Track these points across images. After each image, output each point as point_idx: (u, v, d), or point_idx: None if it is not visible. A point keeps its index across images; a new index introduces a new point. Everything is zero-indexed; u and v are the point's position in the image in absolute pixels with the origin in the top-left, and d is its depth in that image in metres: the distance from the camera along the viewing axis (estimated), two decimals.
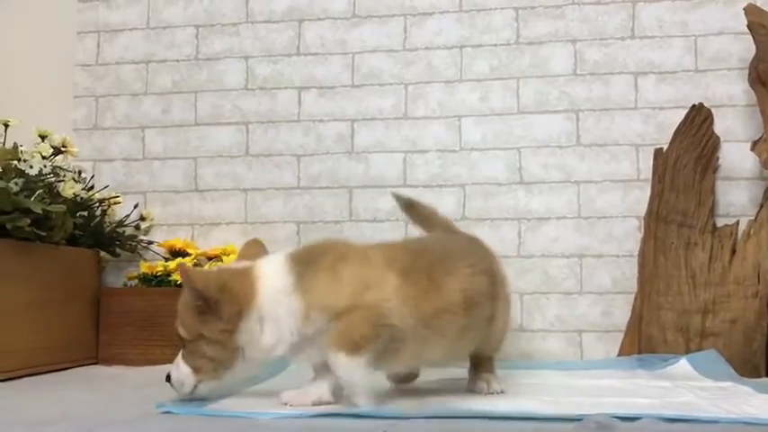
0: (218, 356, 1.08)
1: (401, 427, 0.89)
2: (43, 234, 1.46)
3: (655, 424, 0.92)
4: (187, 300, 1.10)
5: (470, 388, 1.24)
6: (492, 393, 1.21)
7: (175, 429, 0.90)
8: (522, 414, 0.96)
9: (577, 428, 0.88)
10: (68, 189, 1.51)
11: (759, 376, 1.51)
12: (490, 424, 0.92)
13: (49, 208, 1.41)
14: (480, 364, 1.26)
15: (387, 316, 1.03)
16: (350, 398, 1.05)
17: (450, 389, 1.27)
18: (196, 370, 1.09)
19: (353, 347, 1.01)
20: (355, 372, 1.02)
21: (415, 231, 1.77)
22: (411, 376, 1.31)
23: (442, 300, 1.10)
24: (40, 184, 1.44)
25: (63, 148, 1.54)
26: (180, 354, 1.12)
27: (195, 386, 1.09)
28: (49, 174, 1.49)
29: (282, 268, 1.08)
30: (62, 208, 1.45)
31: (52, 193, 1.50)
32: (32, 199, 1.38)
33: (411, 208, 1.49)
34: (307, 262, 1.09)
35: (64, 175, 1.55)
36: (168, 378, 1.11)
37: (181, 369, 1.10)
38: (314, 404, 1.06)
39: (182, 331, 1.11)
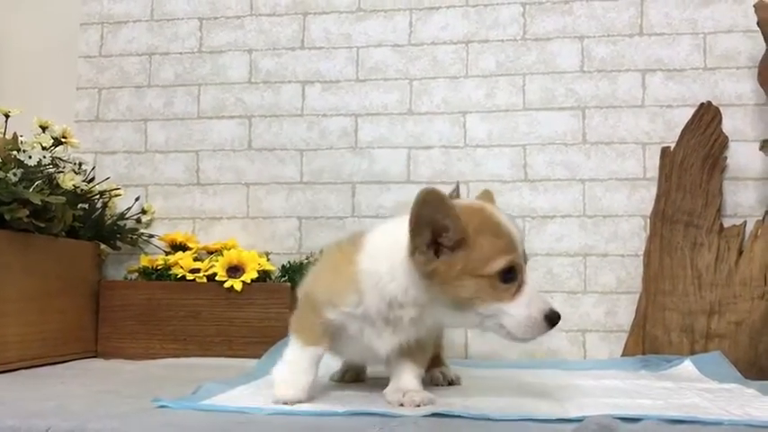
0: None
1: (395, 425, 0.88)
2: (42, 225, 1.45)
3: (657, 425, 0.90)
4: None
5: (430, 383, 1.25)
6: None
7: (169, 424, 0.88)
8: (522, 416, 0.94)
9: (578, 429, 0.86)
10: (68, 180, 1.49)
11: (765, 379, 1.49)
12: (486, 424, 0.90)
13: (48, 199, 1.39)
14: (434, 363, 1.28)
15: None
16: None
17: (443, 387, 1.26)
18: None
19: (425, 365, 1.14)
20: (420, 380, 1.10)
21: None
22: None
23: None
24: (40, 174, 1.43)
25: (63, 139, 1.53)
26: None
27: None
28: (49, 165, 1.48)
29: None
30: (61, 199, 1.43)
31: (52, 185, 1.49)
32: (31, 190, 1.37)
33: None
34: None
35: (63, 167, 1.54)
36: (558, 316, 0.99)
37: None
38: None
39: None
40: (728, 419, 0.93)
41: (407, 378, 1.07)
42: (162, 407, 1.01)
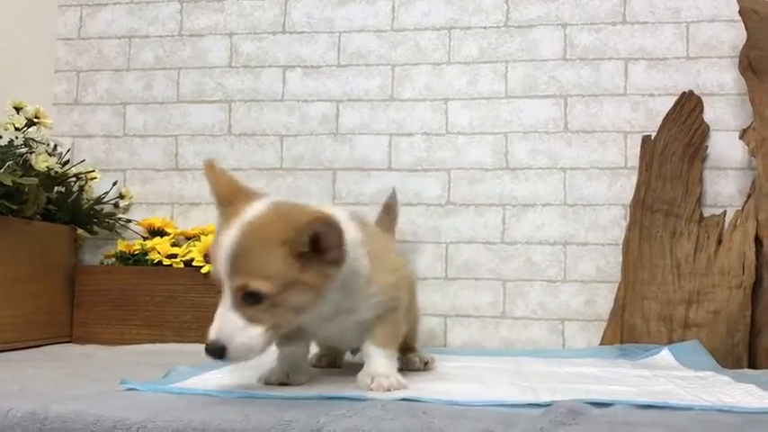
0: (305, 304, 0.95)
1: (362, 408, 0.86)
2: (15, 208, 1.42)
3: (628, 410, 0.90)
4: (278, 243, 0.92)
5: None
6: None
7: (131, 405, 0.87)
8: (491, 402, 0.93)
9: (547, 413, 0.85)
10: (41, 162, 1.47)
11: (741, 367, 1.49)
12: (454, 409, 0.89)
13: (19, 180, 1.37)
14: (407, 350, 1.27)
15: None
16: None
17: (416, 374, 1.24)
18: (274, 327, 0.93)
19: (396, 345, 1.09)
20: (392, 362, 1.07)
21: None
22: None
23: None
24: (11, 155, 1.40)
25: (36, 120, 1.50)
26: (237, 315, 0.91)
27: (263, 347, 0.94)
28: (21, 146, 1.45)
29: (350, 222, 1.01)
30: (34, 180, 1.41)
31: (25, 167, 1.46)
32: (2, 171, 1.35)
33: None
34: (365, 225, 1.08)
35: (36, 148, 1.51)
36: (222, 351, 0.90)
37: (250, 332, 0.91)
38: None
39: (263, 286, 0.91)
40: (699, 405, 0.93)
41: (377, 362, 1.05)
42: (130, 389, 0.99)
